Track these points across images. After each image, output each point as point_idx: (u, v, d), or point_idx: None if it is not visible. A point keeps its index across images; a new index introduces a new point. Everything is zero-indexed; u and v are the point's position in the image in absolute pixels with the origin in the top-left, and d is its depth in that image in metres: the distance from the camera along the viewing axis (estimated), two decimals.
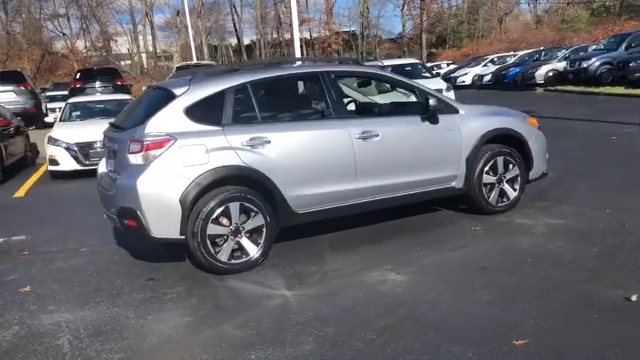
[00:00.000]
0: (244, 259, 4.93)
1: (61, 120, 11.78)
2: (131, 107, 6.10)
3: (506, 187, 6.11)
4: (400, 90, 6.20)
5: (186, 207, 4.67)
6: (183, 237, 4.74)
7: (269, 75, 5.28)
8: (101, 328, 4.02)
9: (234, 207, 4.84)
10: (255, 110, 5.08)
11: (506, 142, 6.09)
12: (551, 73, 23.91)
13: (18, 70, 22.47)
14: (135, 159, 4.72)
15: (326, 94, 5.31)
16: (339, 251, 5.34)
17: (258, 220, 4.94)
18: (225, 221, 4.84)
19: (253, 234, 4.96)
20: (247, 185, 4.91)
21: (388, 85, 6.55)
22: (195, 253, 4.80)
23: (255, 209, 4.92)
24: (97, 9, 50.07)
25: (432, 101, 5.53)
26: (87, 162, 10.29)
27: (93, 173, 6.22)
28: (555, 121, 12.66)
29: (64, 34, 48.99)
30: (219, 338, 3.73)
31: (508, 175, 6.09)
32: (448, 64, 40.81)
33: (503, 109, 6.59)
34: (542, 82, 23.91)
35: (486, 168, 5.95)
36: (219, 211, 4.79)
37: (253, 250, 4.96)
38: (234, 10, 60.06)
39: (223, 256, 4.85)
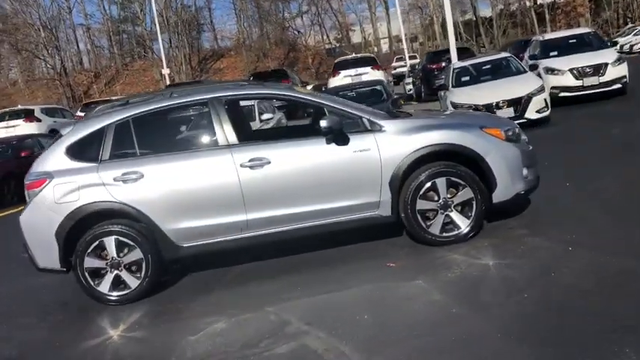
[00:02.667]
0: (124, 293, 5.05)
1: (453, 87, 12.08)
2: None
3: (455, 213, 5.08)
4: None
5: (61, 241, 4.97)
6: (65, 269, 5.05)
7: (154, 107, 5.23)
8: None
9: (109, 242, 4.99)
10: (135, 145, 5.13)
11: (456, 159, 5.06)
12: None
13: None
14: (27, 197, 5.18)
15: (213, 121, 5.08)
16: (225, 287, 5.11)
17: (136, 254, 5.00)
18: (103, 254, 5.02)
19: (132, 267, 5.04)
20: (122, 220, 5.00)
21: None
22: (80, 283, 5.06)
23: (132, 243, 4.99)
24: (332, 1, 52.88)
25: (324, 122, 4.88)
26: None
27: None
28: None
29: (298, 32, 52.95)
30: None
31: (457, 200, 5.06)
32: None
33: (458, 117, 5.52)
34: None
35: (421, 192, 5.03)
36: (94, 245, 4.98)
37: (134, 283, 5.04)
38: None
39: (104, 287, 5.04)
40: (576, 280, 3.92)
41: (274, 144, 5.10)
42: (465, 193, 5.06)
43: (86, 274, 5.02)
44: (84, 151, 5.12)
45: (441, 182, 5.03)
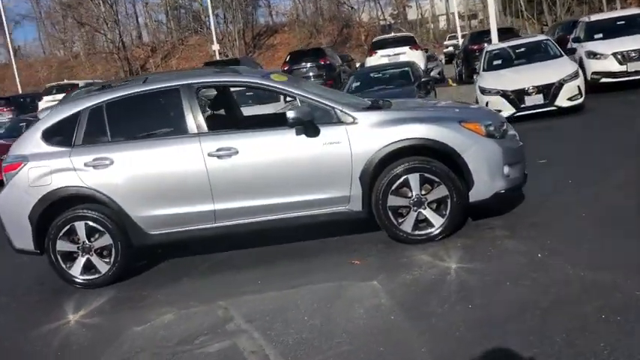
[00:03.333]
0: (95, 277, 5.11)
1: (484, 70, 11.72)
2: None
3: (429, 211, 4.86)
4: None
5: (34, 224, 5.05)
6: (38, 251, 5.15)
7: (127, 92, 5.20)
8: None
9: (80, 226, 5.04)
10: (107, 130, 5.12)
11: (431, 154, 4.82)
12: None
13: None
14: (4, 179, 5.28)
15: (184, 109, 5.02)
16: (195, 276, 5.09)
17: (106, 240, 5.04)
18: (75, 238, 5.08)
19: (103, 252, 5.08)
20: (93, 205, 5.03)
21: None
22: (53, 266, 5.14)
23: (102, 229, 5.03)
24: None
25: (291, 113, 4.72)
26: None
27: None
28: None
29: (352, 8, 52.15)
30: None
31: (431, 197, 4.83)
32: None
33: (440, 110, 5.27)
34: None
35: (392, 187, 4.82)
36: (65, 229, 5.04)
37: (104, 268, 5.09)
38: None
39: (75, 270, 5.11)
40: (528, 295, 3.65)
41: (243, 133, 5.00)
42: (440, 191, 4.82)
43: (58, 257, 5.09)
44: (58, 135, 5.16)
45: (414, 178, 4.81)
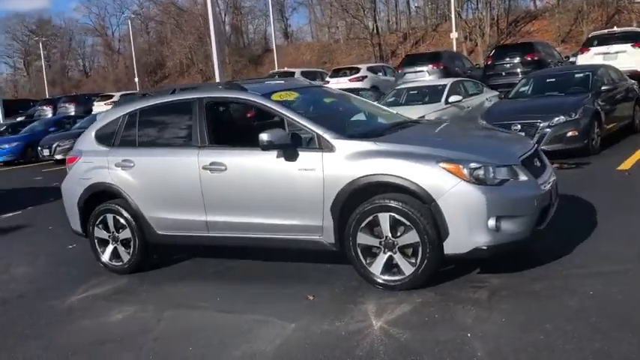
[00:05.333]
0: (120, 264, 5.73)
1: None
2: None
3: (399, 256, 4.39)
4: None
5: (80, 210, 5.86)
6: (84, 234, 5.95)
7: (154, 102, 5.62)
8: None
9: (110, 218, 5.69)
10: (136, 135, 5.64)
11: (407, 194, 4.34)
12: None
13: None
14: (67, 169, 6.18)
15: (192, 121, 5.28)
16: (186, 280, 5.37)
17: (127, 233, 5.62)
18: (108, 228, 5.75)
19: (124, 244, 5.67)
20: (118, 201, 5.63)
21: None
22: (92, 250, 5.90)
23: (124, 222, 5.61)
24: None
25: (264, 135, 4.61)
26: None
27: None
28: None
29: None
30: None
31: (402, 241, 4.36)
32: None
33: (431, 142, 4.64)
34: None
35: (362, 225, 4.47)
36: (100, 219, 5.74)
37: (126, 257, 5.69)
38: None
39: (106, 257, 5.79)
40: None
41: (233, 150, 5.05)
42: (411, 236, 4.30)
43: (95, 242, 5.81)
44: (105, 135, 5.84)
45: (384, 218, 4.37)
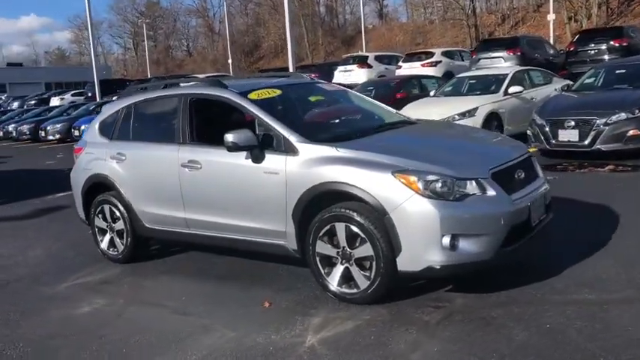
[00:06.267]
0: (115, 254, 5.88)
1: None
2: None
3: (356, 269, 4.17)
4: None
5: (83, 198, 6.06)
6: (87, 222, 6.15)
7: (148, 97, 5.65)
8: None
9: (106, 209, 5.83)
10: (130, 129, 5.72)
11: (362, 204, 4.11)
12: None
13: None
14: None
15: (175, 117, 5.26)
16: (168, 276, 5.41)
17: (120, 225, 5.75)
18: (106, 218, 5.91)
19: (119, 234, 5.80)
20: (113, 193, 5.75)
21: None
22: (93, 238, 6.10)
23: (118, 214, 5.74)
24: None
25: (229, 136, 4.49)
26: None
27: None
28: None
29: None
30: None
31: (358, 254, 4.14)
32: None
33: (401, 147, 4.33)
34: None
35: (320, 233, 4.28)
36: (99, 209, 5.90)
37: (121, 248, 5.83)
38: None
39: (104, 245, 5.96)
40: None
41: (209, 149, 4.97)
42: (365, 249, 4.07)
43: (96, 230, 5.99)
44: (106, 128, 5.97)
45: (340, 228, 4.16)
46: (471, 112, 10.75)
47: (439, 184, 3.86)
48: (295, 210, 4.37)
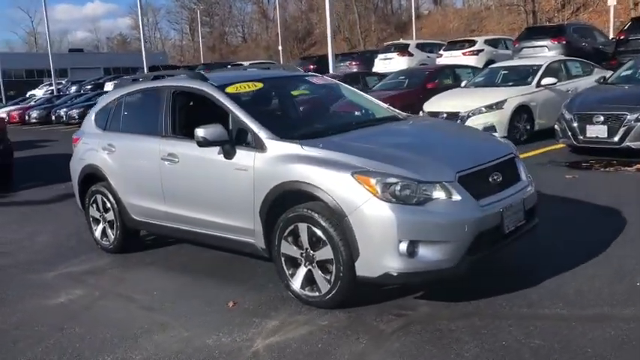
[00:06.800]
0: (107, 243, 5.92)
1: None
2: None
3: (318, 272, 4.04)
4: None
5: (79, 187, 6.13)
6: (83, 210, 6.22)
7: (137, 88, 5.63)
8: None
9: (99, 199, 5.88)
10: (120, 120, 5.72)
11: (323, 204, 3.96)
12: None
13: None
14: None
15: (159, 110, 5.21)
16: (147, 269, 5.41)
17: (111, 215, 5.78)
18: (99, 207, 5.95)
19: (111, 225, 5.83)
20: (104, 183, 5.78)
21: None
22: (89, 227, 6.16)
23: (109, 205, 5.77)
24: None
25: (199, 131, 4.39)
26: None
27: None
28: None
29: None
30: None
31: (320, 256, 4.00)
32: None
33: (368, 145, 4.11)
34: None
35: (285, 233, 4.16)
36: (92, 199, 5.95)
37: (112, 238, 5.86)
38: None
39: (97, 235, 6.02)
40: None
41: (187, 143, 4.88)
42: (326, 252, 3.92)
43: (91, 219, 6.05)
44: (100, 119, 6.00)
45: (302, 229, 4.02)
46: (498, 105, 10.33)
47: (398, 187, 3.66)
48: (262, 208, 4.26)
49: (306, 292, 4.10)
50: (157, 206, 5.20)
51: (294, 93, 5.41)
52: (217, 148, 4.53)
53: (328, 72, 19.17)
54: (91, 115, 6.18)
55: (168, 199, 5.08)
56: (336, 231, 3.80)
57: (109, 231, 5.84)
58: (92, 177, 5.89)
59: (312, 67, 24.20)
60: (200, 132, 4.41)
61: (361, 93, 5.74)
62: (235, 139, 4.49)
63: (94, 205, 5.92)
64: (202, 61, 55.20)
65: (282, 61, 46.09)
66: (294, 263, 4.17)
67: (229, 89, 4.82)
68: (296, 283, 4.14)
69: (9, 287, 5.17)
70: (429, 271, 3.69)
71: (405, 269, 3.65)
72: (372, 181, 3.68)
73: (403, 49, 21.41)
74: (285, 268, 4.20)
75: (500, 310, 3.76)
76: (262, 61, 33.96)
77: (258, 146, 4.32)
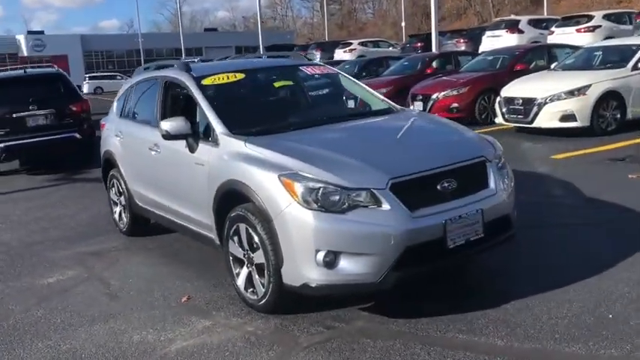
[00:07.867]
0: (122, 225, 6.17)
1: None
2: None
3: (256, 275, 3.90)
4: None
5: (103, 171, 6.42)
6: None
7: (142, 77, 5.71)
8: None
9: (114, 183, 6.12)
10: (130, 106, 5.87)
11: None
12: None
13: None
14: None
15: (155, 99, 5.26)
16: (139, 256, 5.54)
17: (123, 200, 6.00)
18: (116, 191, 6.20)
19: (124, 210, 6.05)
20: (117, 170, 5.99)
21: None
22: (110, 208, 6.44)
23: (121, 190, 5.99)
24: None
25: (164, 125, 4.37)
26: None
27: None
28: None
29: None
30: None
31: (256, 259, 3.85)
32: None
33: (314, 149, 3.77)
34: None
35: (231, 232, 4.05)
36: (111, 183, 6.22)
37: (125, 221, 6.09)
38: None
39: (116, 216, 6.29)
40: None
41: None
42: (259, 255, 3.76)
43: (111, 202, 6.32)
44: (119, 105, 6.20)
45: (243, 230, 3.88)
46: (580, 91, 9.30)
47: (320, 193, 3.38)
48: (214, 205, 4.17)
49: (248, 294, 3.97)
50: (150, 194, 5.30)
51: (277, 84, 5.20)
52: (184, 142, 4.49)
53: (431, 50, 18.56)
54: (114, 102, 6.41)
55: (156, 187, 5.15)
56: (266, 234, 3.62)
57: (123, 214, 6.06)
58: (109, 162, 6.13)
59: (419, 44, 23.44)
60: (164, 125, 4.40)
61: (360, 84, 5.38)
62: (203, 133, 4.42)
63: (113, 189, 6.17)
64: (327, 39, 55.55)
65: (404, 39, 44.99)
66: (240, 263, 4.04)
67: (206, 81, 4.74)
68: (240, 283, 4.02)
69: (21, 263, 5.54)
70: (348, 285, 3.40)
71: (324, 281, 3.40)
72: (296, 185, 3.44)
73: (513, 26, 19.95)
74: (232, 267, 4.09)
75: (431, 334, 3.38)
76: (375, 39, 33.39)
77: (214, 141, 4.22)
